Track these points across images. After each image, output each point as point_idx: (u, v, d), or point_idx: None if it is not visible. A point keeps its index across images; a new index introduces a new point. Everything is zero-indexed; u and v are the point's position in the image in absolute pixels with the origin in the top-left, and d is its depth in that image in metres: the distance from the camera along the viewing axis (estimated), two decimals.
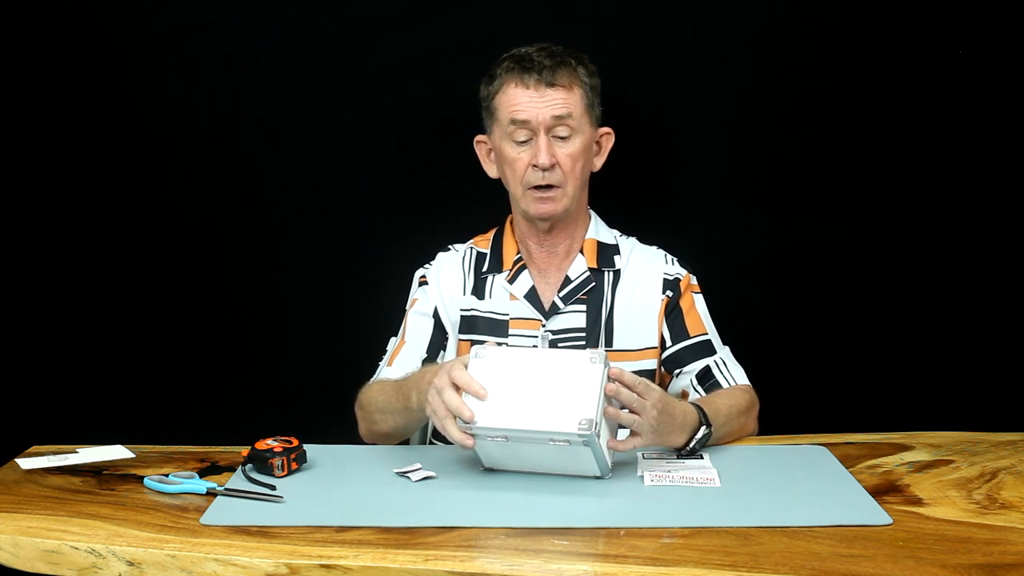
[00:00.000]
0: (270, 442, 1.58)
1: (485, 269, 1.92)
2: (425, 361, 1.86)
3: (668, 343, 1.86)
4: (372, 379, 1.87)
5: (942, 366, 2.12)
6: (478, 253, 1.94)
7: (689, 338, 1.86)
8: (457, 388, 1.50)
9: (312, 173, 2.18)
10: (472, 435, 1.49)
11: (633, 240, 1.95)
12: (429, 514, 1.42)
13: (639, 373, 1.60)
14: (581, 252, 1.90)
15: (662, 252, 1.93)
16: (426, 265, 1.95)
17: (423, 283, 1.93)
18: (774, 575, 1.24)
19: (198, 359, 2.25)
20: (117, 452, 1.72)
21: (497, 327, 1.88)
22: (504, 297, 1.89)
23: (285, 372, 2.24)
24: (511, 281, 1.89)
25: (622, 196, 2.08)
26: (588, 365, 1.49)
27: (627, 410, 1.51)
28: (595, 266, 1.89)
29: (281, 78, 2.14)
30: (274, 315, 2.24)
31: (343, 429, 1.83)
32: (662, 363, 1.87)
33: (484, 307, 1.89)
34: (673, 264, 1.91)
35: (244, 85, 2.15)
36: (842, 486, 1.51)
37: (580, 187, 1.84)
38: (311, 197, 2.19)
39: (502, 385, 1.50)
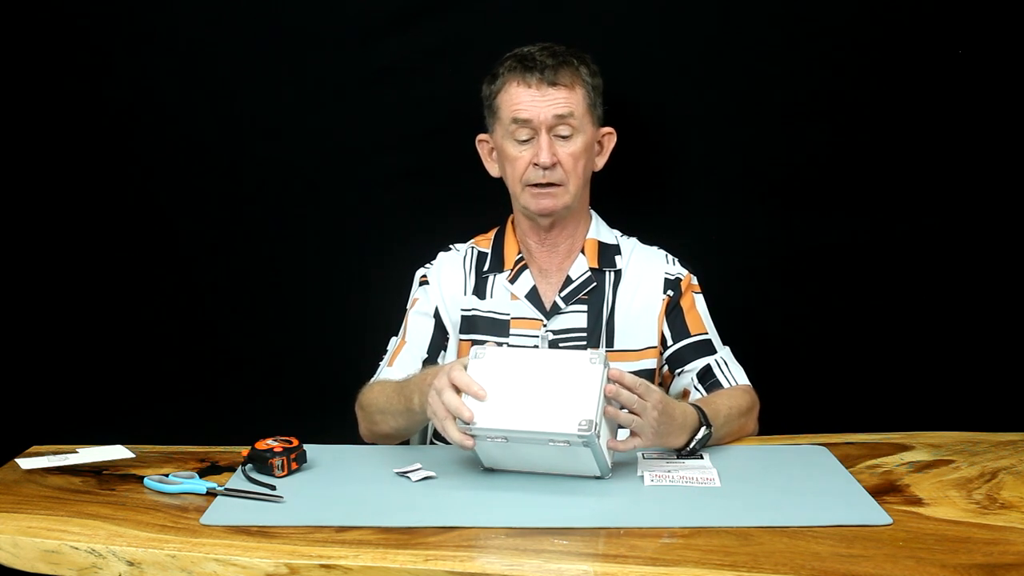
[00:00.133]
0: (270, 442, 1.58)
1: (486, 269, 1.92)
2: (426, 361, 1.86)
3: (669, 342, 1.86)
4: (372, 379, 1.87)
5: (942, 366, 2.12)
6: (479, 253, 1.94)
7: (690, 336, 1.86)
8: (457, 389, 1.50)
9: (312, 173, 2.18)
10: (472, 436, 1.49)
11: (634, 240, 1.95)
12: (429, 514, 1.42)
13: (639, 373, 1.61)
14: (582, 252, 1.90)
15: (663, 252, 1.93)
16: (427, 265, 1.95)
17: (424, 283, 1.93)
18: (774, 575, 1.24)
19: (198, 359, 2.25)
20: (117, 452, 1.72)
21: (498, 327, 1.88)
22: (505, 297, 1.89)
23: (285, 372, 2.24)
24: (512, 281, 1.89)
25: (623, 196, 2.08)
26: (588, 365, 1.49)
27: (627, 411, 1.51)
28: (596, 266, 1.89)
29: (281, 78, 2.15)
30: (274, 315, 2.24)
31: (343, 429, 1.84)
32: (665, 362, 1.87)
33: (485, 307, 1.89)
34: (674, 264, 1.91)
35: (244, 85, 2.15)
36: (842, 486, 1.51)
37: (581, 186, 1.85)
38: (311, 197, 2.19)
39: (501, 386, 1.50)
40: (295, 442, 1.59)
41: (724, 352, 1.87)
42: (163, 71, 2.16)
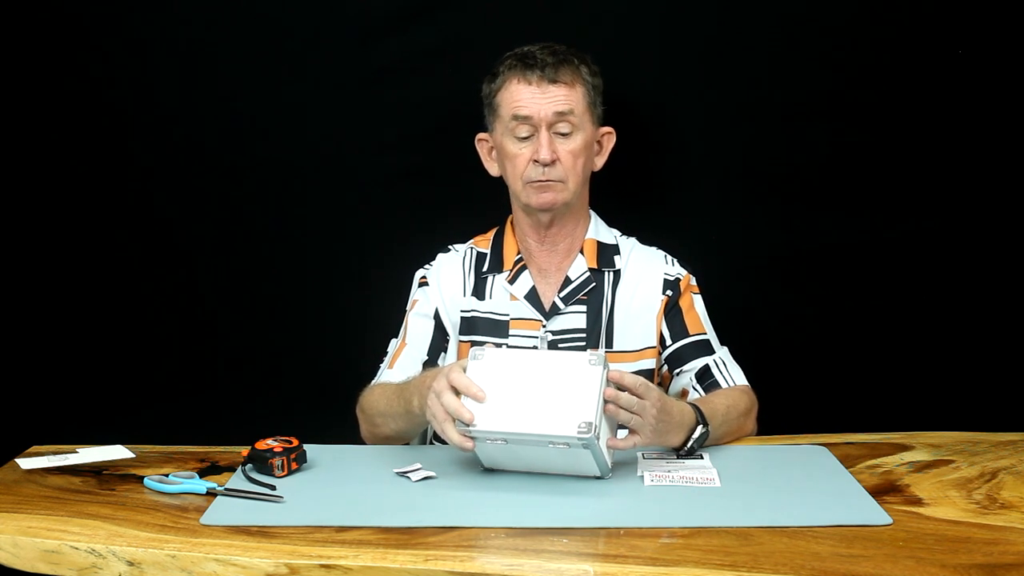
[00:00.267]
0: (270, 442, 1.59)
1: (485, 269, 1.92)
2: (426, 363, 1.85)
3: (668, 342, 1.86)
4: (373, 381, 1.87)
5: (942, 366, 2.12)
6: (478, 253, 1.94)
7: (688, 336, 1.86)
8: (456, 391, 1.50)
9: (312, 173, 2.18)
10: (471, 438, 1.49)
11: (633, 240, 1.95)
12: (429, 514, 1.42)
13: (638, 373, 1.60)
14: (581, 252, 1.90)
15: (662, 252, 1.93)
16: (426, 266, 1.95)
17: (423, 284, 1.93)
18: (774, 575, 1.24)
19: (198, 359, 2.25)
20: (117, 452, 1.72)
21: (497, 328, 1.88)
22: (504, 297, 1.89)
23: (285, 372, 2.24)
24: (512, 281, 1.89)
25: (623, 196, 2.08)
26: (587, 367, 1.49)
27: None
28: (595, 266, 1.89)
29: (281, 78, 2.14)
30: (274, 315, 2.23)
31: (343, 429, 1.83)
32: (664, 362, 1.87)
33: (484, 308, 1.89)
34: (673, 264, 1.91)
35: (243, 85, 2.15)
36: (842, 486, 1.51)
37: (581, 184, 1.85)
38: (311, 197, 2.19)
39: (501, 387, 1.50)
40: (295, 442, 1.59)
41: (722, 352, 1.87)
42: (163, 71, 2.16)
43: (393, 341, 1.93)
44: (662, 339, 1.87)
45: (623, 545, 1.32)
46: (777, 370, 2.04)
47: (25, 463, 1.66)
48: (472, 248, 1.95)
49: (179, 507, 1.48)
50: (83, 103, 2.18)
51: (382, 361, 1.91)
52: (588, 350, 1.54)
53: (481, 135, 1.91)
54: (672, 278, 1.88)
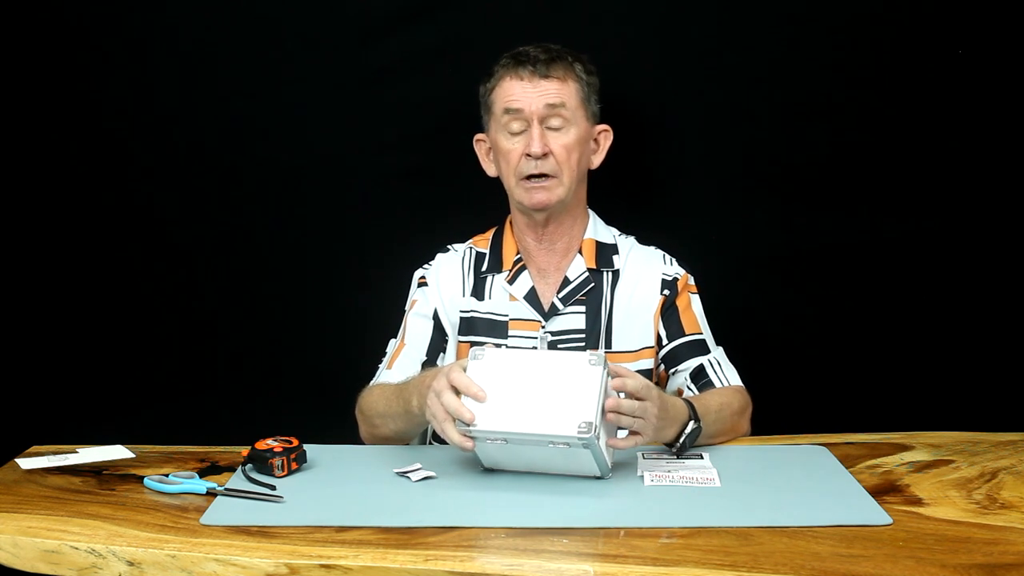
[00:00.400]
0: (270, 442, 1.59)
1: (484, 269, 1.92)
2: (425, 363, 1.85)
3: (664, 341, 1.87)
4: (372, 382, 1.87)
5: (942, 366, 2.12)
6: (477, 253, 1.94)
7: (684, 336, 1.86)
8: (456, 391, 1.50)
9: (312, 173, 2.18)
10: (471, 438, 1.49)
11: (631, 240, 1.95)
12: (429, 514, 1.42)
13: (637, 373, 1.60)
14: (580, 252, 1.90)
15: (660, 252, 1.93)
16: (425, 266, 1.95)
17: (422, 284, 1.93)
18: (774, 575, 1.24)
19: (198, 359, 2.25)
20: (117, 452, 1.72)
21: (497, 328, 1.88)
22: (504, 298, 1.89)
23: (285, 372, 2.24)
24: (511, 282, 1.89)
25: (623, 196, 2.08)
26: (587, 367, 1.49)
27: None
28: (594, 266, 1.89)
29: (281, 78, 2.14)
30: (274, 315, 2.23)
31: (343, 429, 1.83)
32: (660, 361, 1.87)
33: (483, 308, 1.89)
34: (671, 264, 1.91)
35: (243, 85, 2.15)
36: (842, 486, 1.51)
37: (576, 180, 1.84)
38: (311, 197, 2.19)
39: (501, 387, 1.50)
40: (295, 442, 1.59)
41: (717, 352, 1.87)
42: (163, 71, 2.16)
43: (392, 341, 1.93)
44: (658, 338, 1.87)
45: (623, 545, 1.32)
46: (777, 370, 2.05)
47: (25, 463, 1.66)
48: (471, 248, 1.95)
49: (179, 507, 1.48)
50: (83, 103, 2.18)
51: (381, 362, 1.91)
52: (588, 351, 1.54)
53: (478, 136, 1.92)
54: (670, 278, 1.88)
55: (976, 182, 2.08)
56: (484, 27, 2.08)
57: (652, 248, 1.94)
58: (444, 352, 1.89)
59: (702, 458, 1.62)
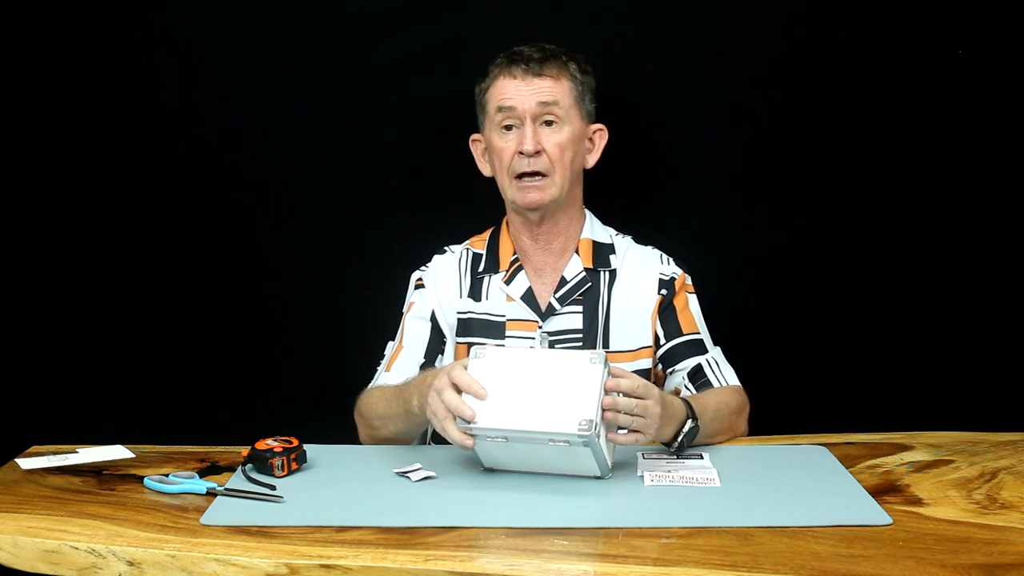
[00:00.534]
0: (270, 442, 1.58)
1: (481, 270, 1.92)
2: (423, 365, 1.85)
3: (662, 340, 1.87)
4: (371, 385, 1.87)
5: (942, 366, 2.12)
6: (474, 254, 1.94)
7: (682, 335, 1.86)
8: (457, 389, 1.50)
9: (312, 173, 2.18)
10: (472, 436, 1.49)
11: (628, 239, 1.95)
12: (429, 514, 1.42)
13: (636, 373, 1.60)
14: (576, 252, 1.90)
15: (657, 252, 1.93)
16: (422, 268, 1.95)
17: (419, 286, 1.93)
18: (774, 575, 1.24)
19: (198, 359, 2.25)
20: (117, 452, 1.72)
21: (494, 329, 1.88)
22: (501, 298, 1.89)
23: (285, 372, 2.24)
24: (508, 282, 1.89)
25: (623, 196, 2.08)
26: (588, 365, 1.49)
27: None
28: (591, 266, 1.89)
29: (280, 78, 2.14)
30: (274, 315, 2.23)
31: (343, 429, 1.83)
32: (658, 361, 1.87)
33: (480, 309, 1.89)
34: (668, 264, 1.91)
35: (243, 85, 2.15)
36: (842, 486, 1.51)
37: (570, 179, 1.84)
38: (311, 197, 2.19)
39: (502, 385, 1.50)
40: (295, 442, 1.59)
41: (715, 352, 1.87)
42: (163, 71, 2.16)
43: (390, 344, 1.93)
44: (656, 338, 1.87)
45: (623, 545, 1.32)
46: (777, 370, 2.05)
47: (25, 463, 1.66)
48: (468, 249, 1.95)
49: (179, 507, 1.48)
50: (83, 103, 2.18)
51: (379, 364, 1.91)
52: (588, 349, 1.54)
53: (474, 136, 1.92)
54: (667, 277, 1.89)
55: (976, 182, 2.08)
56: (484, 27, 2.08)
57: (649, 248, 1.94)
58: (442, 354, 1.89)
59: (702, 458, 1.62)
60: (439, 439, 1.68)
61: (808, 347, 2.15)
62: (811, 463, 1.62)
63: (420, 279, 1.93)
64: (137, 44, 2.16)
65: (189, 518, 1.43)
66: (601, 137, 1.91)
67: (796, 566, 1.25)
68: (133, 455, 1.71)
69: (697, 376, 1.83)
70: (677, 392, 1.84)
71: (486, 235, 1.96)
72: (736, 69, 2.08)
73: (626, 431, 1.54)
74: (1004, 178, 2.07)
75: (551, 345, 1.85)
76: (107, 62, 2.17)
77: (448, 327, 1.90)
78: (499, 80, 1.83)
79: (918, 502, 1.45)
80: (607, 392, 1.48)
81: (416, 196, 2.16)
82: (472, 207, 2.02)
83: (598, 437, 1.46)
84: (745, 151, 2.11)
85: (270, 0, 2.13)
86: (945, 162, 2.08)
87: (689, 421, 1.62)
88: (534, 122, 1.80)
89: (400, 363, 1.86)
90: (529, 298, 1.88)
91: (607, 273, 1.89)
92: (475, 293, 1.90)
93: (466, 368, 1.52)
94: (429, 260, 1.95)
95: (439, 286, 1.91)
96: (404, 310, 1.94)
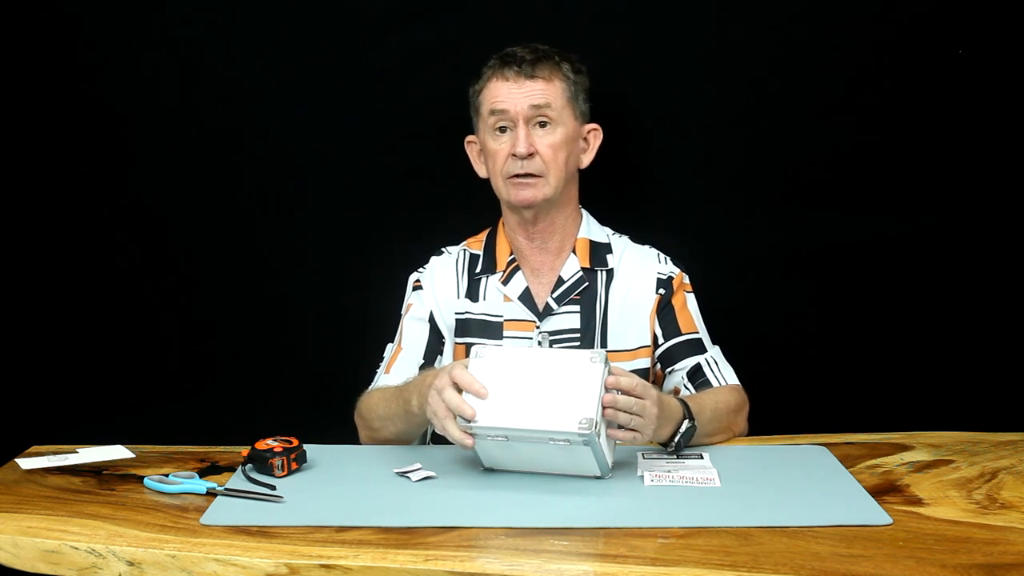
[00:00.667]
0: (270, 442, 1.59)
1: (479, 270, 1.92)
2: (422, 367, 1.85)
3: (660, 340, 1.87)
4: (371, 387, 1.87)
5: (942, 366, 2.12)
6: (471, 255, 1.94)
7: (680, 335, 1.86)
8: (458, 388, 1.50)
9: (312, 173, 2.18)
10: (472, 435, 1.49)
11: (625, 239, 1.95)
12: (429, 514, 1.42)
13: (634, 372, 1.61)
14: (573, 252, 1.90)
15: (655, 251, 1.93)
16: (420, 269, 1.95)
17: (417, 288, 1.93)
18: (774, 575, 1.24)
19: (198, 359, 2.25)
20: (117, 452, 1.72)
21: (491, 329, 1.88)
22: (498, 299, 1.89)
23: (285, 372, 2.24)
24: (505, 282, 1.89)
25: (623, 196, 2.08)
26: (588, 365, 1.49)
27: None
28: (588, 265, 1.89)
29: (280, 78, 2.15)
30: (274, 315, 2.23)
31: (343, 429, 1.83)
32: (657, 360, 1.88)
33: (478, 309, 1.89)
34: (666, 263, 1.91)
35: (243, 85, 2.15)
36: (842, 486, 1.51)
37: (564, 179, 1.84)
38: (311, 197, 2.19)
39: (502, 385, 1.50)
40: (295, 442, 1.59)
41: (714, 351, 1.87)
42: (162, 71, 2.16)
43: (389, 346, 1.93)
44: (655, 337, 1.87)
45: (623, 545, 1.32)
46: (777, 370, 2.05)
47: (25, 463, 1.66)
48: (465, 250, 1.95)
49: (179, 507, 1.48)
50: (83, 103, 2.18)
51: (378, 366, 1.92)
52: (589, 349, 1.54)
53: (469, 137, 1.93)
54: (665, 276, 1.89)
55: (975, 182, 2.08)
56: (484, 27, 2.07)
57: (647, 247, 1.94)
58: (441, 354, 1.90)
59: (702, 458, 1.62)
60: (439, 439, 1.68)
61: (808, 347, 2.15)
62: (811, 463, 1.62)
63: (418, 281, 1.93)
64: (137, 44, 2.16)
65: (189, 518, 1.43)
66: (596, 136, 1.91)
67: (796, 566, 1.25)
68: (133, 455, 1.71)
69: (696, 375, 1.83)
70: (676, 391, 1.84)
71: (483, 236, 1.96)
72: (736, 69, 2.08)
73: (623, 430, 1.54)
74: (1003, 178, 2.07)
75: (551, 345, 1.85)
76: (107, 62, 2.17)
77: (446, 328, 1.90)
78: (492, 82, 1.83)
79: (918, 502, 1.45)
80: (607, 390, 1.48)
81: (416, 196, 2.16)
82: (472, 207, 2.02)
83: (598, 436, 1.46)
84: (745, 151, 2.11)
85: (270, 0, 2.13)
86: (945, 162, 2.08)
87: (686, 422, 1.62)
88: (527, 124, 1.81)
89: (399, 364, 1.86)
90: (526, 298, 1.88)
91: (604, 273, 1.89)
92: (472, 294, 1.90)
93: (467, 368, 1.52)
94: (427, 262, 1.95)
95: (437, 287, 1.91)
96: (402, 312, 1.94)
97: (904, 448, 1.68)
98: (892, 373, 2.13)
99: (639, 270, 1.89)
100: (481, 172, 1.92)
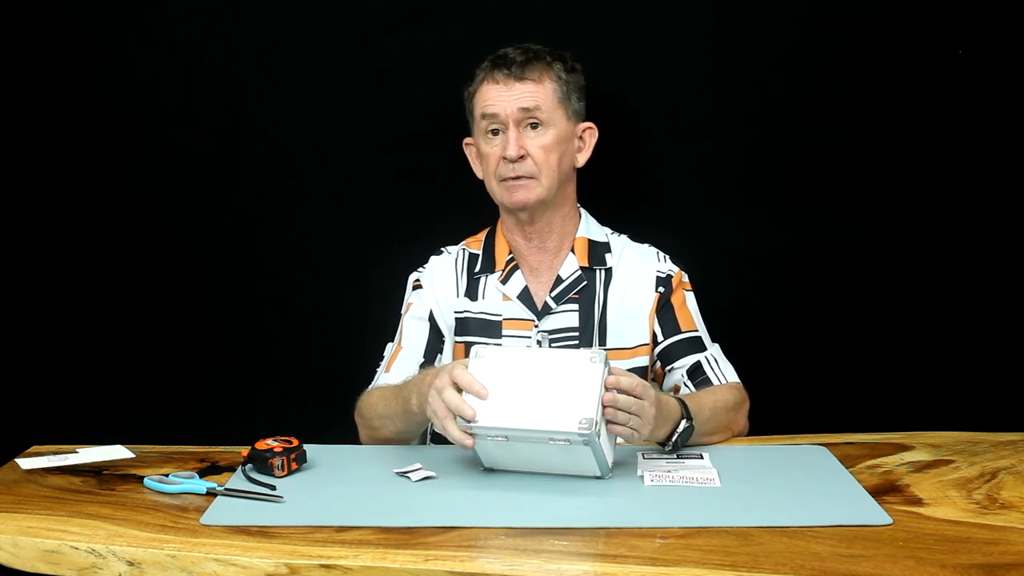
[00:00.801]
0: (270, 442, 1.58)
1: (478, 270, 1.92)
2: (423, 365, 1.85)
3: (659, 338, 1.87)
4: (371, 386, 1.87)
5: (942, 366, 2.12)
6: (470, 255, 1.94)
7: (680, 333, 1.86)
8: (458, 388, 1.50)
9: (312, 173, 2.18)
10: (472, 435, 1.49)
11: (624, 238, 1.95)
12: (429, 514, 1.42)
13: (633, 371, 1.61)
14: (572, 251, 1.90)
15: (654, 249, 1.93)
16: (419, 269, 1.95)
17: (417, 287, 1.93)
18: (774, 575, 1.24)
19: (198, 359, 2.25)
20: (117, 452, 1.72)
21: (490, 328, 1.88)
22: (497, 298, 1.89)
23: (285, 372, 2.24)
24: (504, 282, 1.89)
25: (622, 195, 2.08)
26: (588, 364, 1.49)
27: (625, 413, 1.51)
28: (586, 264, 1.89)
29: (280, 78, 2.14)
30: (274, 315, 2.24)
31: (343, 429, 1.83)
32: (656, 358, 1.88)
33: (477, 308, 1.90)
34: (665, 261, 1.91)
35: (243, 85, 2.15)
36: (842, 486, 1.51)
37: (558, 179, 1.84)
38: (311, 197, 2.19)
39: (502, 385, 1.50)
40: (295, 442, 1.59)
41: (714, 349, 1.87)
42: (162, 71, 2.16)
43: (389, 345, 1.93)
44: (654, 335, 1.87)
45: (623, 545, 1.32)
46: (777, 370, 2.05)
47: (25, 463, 1.66)
48: (464, 249, 1.96)
49: (179, 507, 1.48)
50: (83, 103, 2.18)
51: (378, 365, 1.92)
52: (589, 348, 1.54)
53: (467, 139, 1.93)
54: (664, 275, 1.89)
55: (975, 182, 2.08)
56: (484, 27, 2.07)
57: (646, 245, 1.94)
58: (441, 353, 1.90)
59: (702, 458, 1.62)
60: (439, 439, 1.68)
61: (808, 347, 2.15)
62: (811, 463, 1.62)
63: (417, 280, 1.94)
64: (137, 44, 2.16)
65: (189, 518, 1.43)
66: (591, 135, 1.91)
67: (796, 566, 1.25)
68: (133, 455, 1.71)
69: (696, 373, 1.83)
70: (677, 390, 1.84)
71: (482, 235, 1.96)
72: (736, 69, 2.08)
73: (621, 427, 1.54)
74: (1003, 178, 2.07)
75: (550, 344, 1.85)
76: (107, 62, 2.17)
77: (446, 327, 1.90)
78: (483, 86, 1.84)
79: (918, 502, 1.45)
80: (606, 389, 1.48)
81: (416, 196, 2.16)
82: (472, 207, 2.02)
83: (598, 436, 1.46)
84: (745, 151, 2.11)
85: (270, 0, 2.13)
86: (945, 162, 2.08)
87: (683, 421, 1.62)
88: (517, 127, 1.81)
89: (399, 363, 1.86)
90: (525, 297, 1.88)
91: (603, 271, 1.89)
92: (472, 293, 1.90)
93: (467, 368, 1.52)
94: (426, 261, 1.95)
95: (436, 286, 1.92)
96: (402, 311, 1.94)
97: (904, 448, 1.68)
98: (892, 373, 2.13)
99: (638, 269, 1.89)
100: (479, 173, 1.92)
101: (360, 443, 1.83)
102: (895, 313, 2.13)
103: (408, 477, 1.56)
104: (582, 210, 1.94)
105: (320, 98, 2.15)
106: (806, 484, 1.52)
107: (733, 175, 2.13)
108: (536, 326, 1.87)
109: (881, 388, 2.13)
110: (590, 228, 1.93)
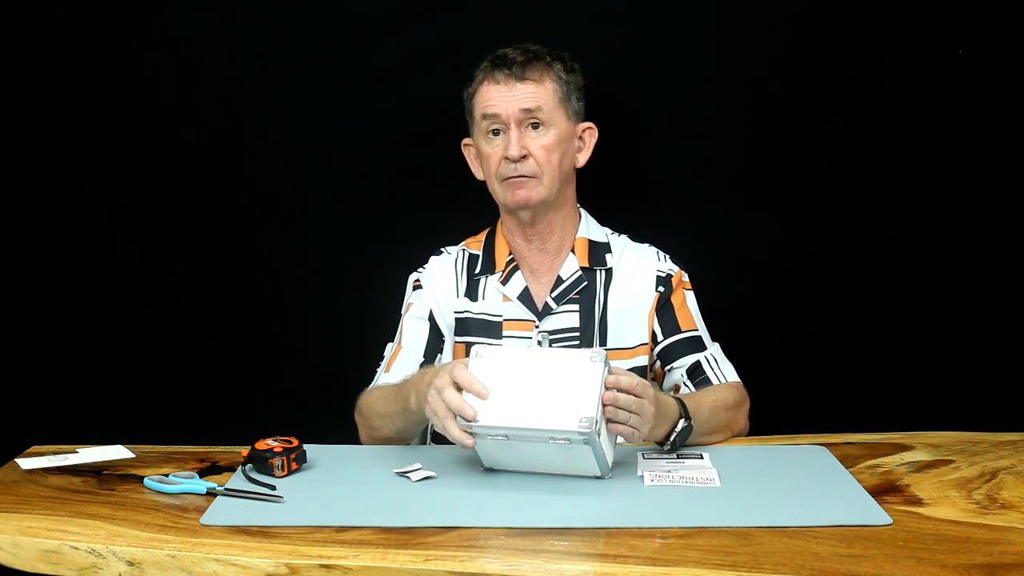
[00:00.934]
0: (270, 442, 1.59)
1: (478, 270, 1.92)
2: (422, 365, 1.85)
3: (659, 337, 1.87)
4: (370, 386, 1.87)
5: (942, 366, 2.12)
6: (470, 255, 1.94)
7: (680, 332, 1.86)
8: (458, 387, 1.50)
9: (312, 173, 2.18)
10: (472, 434, 1.49)
11: (624, 238, 1.95)
12: (429, 514, 1.42)
13: (633, 370, 1.61)
14: (572, 251, 1.90)
15: (654, 249, 1.93)
16: (419, 269, 1.95)
17: (417, 287, 1.93)
18: (774, 575, 1.24)
19: (198, 359, 2.25)
20: (117, 452, 1.72)
21: (490, 328, 1.88)
22: (497, 298, 1.89)
23: (285, 372, 2.24)
24: (504, 282, 1.89)
25: (623, 195, 2.08)
26: (588, 364, 1.49)
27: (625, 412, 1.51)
28: (587, 265, 1.89)
29: (280, 78, 2.14)
30: (274, 315, 2.24)
31: (343, 429, 1.83)
32: (656, 358, 1.88)
33: (477, 308, 1.90)
34: (665, 261, 1.91)
35: (243, 85, 2.15)
36: (842, 486, 1.51)
37: (559, 179, 1.84)
38: (311, 197, 2.19)
39: (503, 384, 1.50)
40: (295, 442, 1.59)
41: (713, 348, 1.87)
42: (162, 71, 2.16)
43: (389, 345, 1.93)
44: (653, 335, 1.87)
45: (623, 545, 1.32)
46: (777, 370, 2.05)
47: (25, 463, 1.66)
48: (464, 250, 1.96)
49: (179, 507, 1.48)
50: (83, 103, 2.18)
51: (379, 365, 1.92)
52: (589, 348, 1.54)
53: (466, 140, 1.93)
54: (664, 274, 1.89)
55: (975, 182, 2.08)
56: (484, 27, 2.07)
57: (646, 245, 1.94)
58: (441, 353, 1.90)
59: (702, 458, 1.62)
60: (439, 439, 1.68)
61: (808, 347, 2.15)
62: (811, 463, 1.62)
63: (417, 280, 1.94)
64: (137, 44, 2.16)
65: (189, 518, 1.43)
66: (591, 135, 1.91)
67: (796, 566, 1.25)
68: (133, 455, 1.71)
69: (696, 373, 1.83)
70: (676, 389, 1.84)
71: (481, 236, 1.97)
72: (736, 69, 2.08)
73: (620, 425, 1.54)
74: (1003, 178, 2.07)
75: (550, 344, 1.85)
76: (107, 62, 2.17)
77: (446, 327, 1.90)
78: (483, 86, 1.84)
79: (918, 502, 1.45)
80: (607, 388, 1.48)
81: (416, 196, 2.16)
82: (472, 207, 2.02)
83: (598, 435, 1.46)
84: (745, 151, 2.11)
85: (270, 0, 2.13)
86: (945, 162, 2.08)
87: (682, 421, 1.62)
88: (518, 127, 1.81)
89: (399, 363, 1.86)
90: (525, 298, 1.88)
91: (603, 272, 1.89)
92: (472, 293, 1.91)
93: (467, 367, 1.52)
94: (426, 262, 1.95)
95: (436, 286, 1.92)
96: (402, 311, 1.94)
97: (904, 448, 1.68)
98: (892, 373, 2.13)
99: (638, 268, 1.89)
100: (478, 174, 1.92)
101: (360, 443, 1.83)
102: (895, 313, 2.13)
103: (408, 477, 1.56)
104: (582, 210, 1.94)
105: (320, 98, 2.15)
106: (806, 484, 1.52)
107: (733, 175, 2.13)
108: (537, 327, 1.87)
109: (881, 388, 2.13)
110: (590, 228, 1.93)
